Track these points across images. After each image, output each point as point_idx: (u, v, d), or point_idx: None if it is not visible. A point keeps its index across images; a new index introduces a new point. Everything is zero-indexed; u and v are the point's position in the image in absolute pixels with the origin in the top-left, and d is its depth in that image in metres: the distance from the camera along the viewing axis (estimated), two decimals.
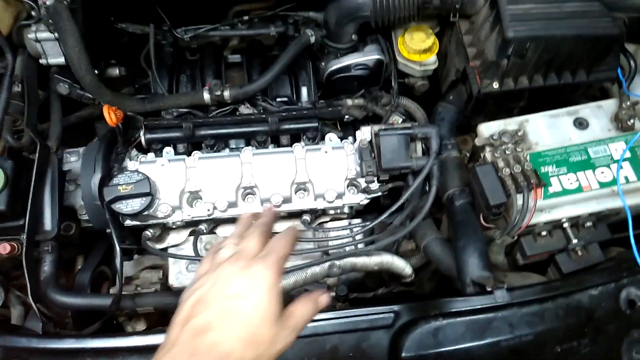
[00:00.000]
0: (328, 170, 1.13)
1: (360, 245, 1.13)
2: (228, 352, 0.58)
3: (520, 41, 1.05)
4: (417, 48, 1.25)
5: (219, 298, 0.62)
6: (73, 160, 1.17)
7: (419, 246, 1.22)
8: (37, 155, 1.04)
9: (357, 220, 1.20)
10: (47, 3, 1.03)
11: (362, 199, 1.14)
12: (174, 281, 1.16)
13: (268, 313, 0.62)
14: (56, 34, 1.04)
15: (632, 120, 1.10)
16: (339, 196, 1.13)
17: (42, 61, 1.11)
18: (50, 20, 1.04)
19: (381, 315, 0.90)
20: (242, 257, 0.66)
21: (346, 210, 1.19)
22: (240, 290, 0.63)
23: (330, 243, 1.15)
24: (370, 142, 1.14)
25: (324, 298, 0.70)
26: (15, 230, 1.01)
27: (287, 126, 1.20)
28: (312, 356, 0.87)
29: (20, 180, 1.01)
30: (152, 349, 0.89)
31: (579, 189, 1.05)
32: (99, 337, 0.92)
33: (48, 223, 1.06)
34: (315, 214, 1.18)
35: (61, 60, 1.10)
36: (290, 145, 1.19)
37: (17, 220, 1.01)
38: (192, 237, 1.16)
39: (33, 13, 1.07)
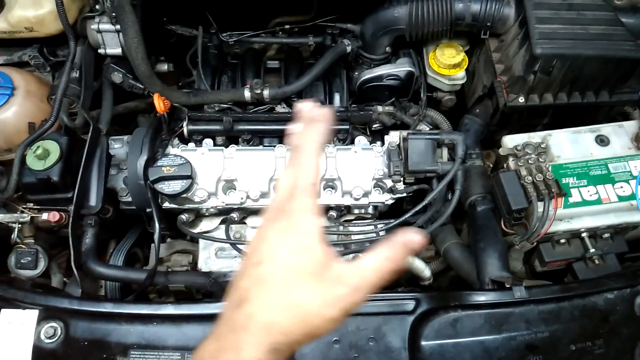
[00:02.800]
0: (356, 169, 1.19)
1: None
2: (268, 323, 0.51)
3: (547, 58, 1.12)
4: (447, 63, 1.32)
5: (252, 263, 0.55)
6: (117, 147, 1.25)
7: (439, 250, 1.26)
8: (89, 135, 1.12)
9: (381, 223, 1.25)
10: None
11: (388, 199, 1.20)
12: (202, 265, 1.22)
13: (307, 265, 0.52)
14: (117, 26, 1.14)
15: None
16: (366, 194, 1.18)
17: (101, 51, 1.21)
18: (113, 13, 1.13)
19: (403, 302, 0.94)
20: (280, 210, 0.56)
21: (371, 210, 1.25)
22: (272, 250, 0.54)
23: (353, 238, 1.20)
24: (399, 145, 1.20)
25: (413, 237, 0.55)
26: (64, 201, 1.08)
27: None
28: (334, 335, 0.92)
29: (72, 156, 1.09)
30: (184, 317, 0.96)
31: (599, 201, 1.09)
32: (134, 303, 0.98)
33: (93, 199, 1.13)
34: (341, 211, 1.24)
35: (118, 51, 1.20)
36: None
37: (67, 193, 1.08)
38: (223, 225, 1.22)
39: (97, 6, 1.17)
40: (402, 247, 0.55)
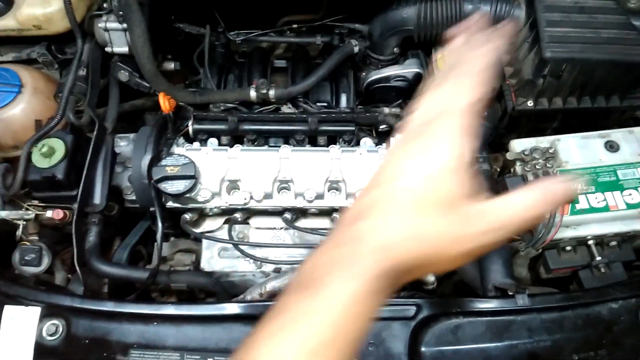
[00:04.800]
0: (361, 171, 1.18)
1: None
2: (384, 245, 0.45)
3: (556, 62, 1.10)
4: None
5: (376, 181, 0.48)
6: (123, 144, 1.25)
7: None
8: (94, 132, 1.12)
9: None
10: None
11: None
12: (205, 265, 1.22)
13: (444, 193, 0.45)
14: (124, 25, 1.14)
15: None
16: None
17: (108, 49, 1.21)
18: (120, 12, 1.13)
19: (404, 307, 0.93)
20: (420, 131, 0.48)
21: None
22: (405, 170, 0.47)
23: None
24: None
25: (566, 185, 0.47)
26: (68, 199, 1.09)
27: (325, 127, 1.26)
28: None
29: (77, 154, 1.10)
30: (184, 318, 0.96)
31: (606, 208, 1.07)
32: (135, 303, 0.98)
33: (97, 197, 1.14)
34: None
35: (125, 49, 1.20)
36: (327, 147, 1.25)
37: (71, 191, 1.08)
38: (226, 225, 1.22)
39: (105, 5, 1.17)
40: (551, 193, 0.47)
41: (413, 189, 0.45)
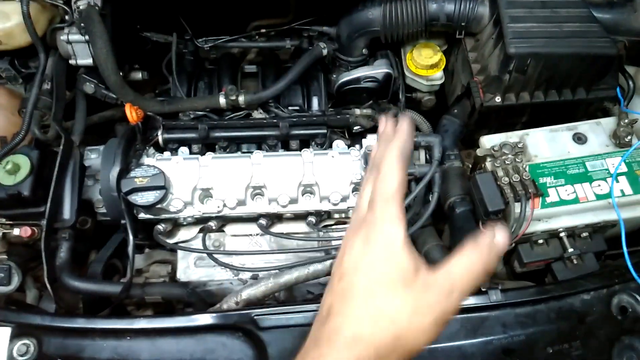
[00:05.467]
0: (334, 173, 1.18)
1: None
2: (354, 336, 0.49)
3: (521, 57, 1.11)
4: (425, 63, 1.31)
5: (336, 278, 0.54)
6: (93, 157, 1.24)
7: (420, 252, 1.25)
8: (60, 147, 1.11)
9: None
10: (80, 7, 1.11)
11: None
12: (181, 275, 1.21)
13: (392, 273, 0.50)
14: (86, 37, 1.12)
15: (629, 137, 1.13)
16: (344, 199, 1.17)
17: (72, 62, 1.19)
18: (82, 24, 1.12)
19: None
20: (361, 220, 0.56)
21: (350, 214, 1.24)
22: (356, 260, 0.53)
23: (334, 243, 1.19)
24: None
25: (500, 235, 0.52)
26: (36, 216, 1.07)
27: (297, 132, 1.26)
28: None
29: (44, 170, 1.08)
30: (158, 331, 0.95)
31: (576, 200, 1.08)
32: (107, 319, 0.97)
33: (67, 212, 1.12)
34: (321, 216, 1.23)
35: (89, 61, 1.18)
36: (300, 151, 1.24)
37: (39, 207, 1.07)
38: (201, 234, 1.21)
39: (67, 17, 1.15)
40: (489, 247, 0.52)
41: (370, 275, 0.51)
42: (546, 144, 1.16)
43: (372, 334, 0.49)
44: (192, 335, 0.93)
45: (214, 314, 0.94)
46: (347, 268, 0.53)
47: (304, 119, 1.27)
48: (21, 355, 0.92)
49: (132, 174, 1.09)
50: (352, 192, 1.19)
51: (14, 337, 0.94)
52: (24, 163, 1.04)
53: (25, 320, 0.96)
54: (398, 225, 0.53)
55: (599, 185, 1.10)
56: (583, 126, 1.18)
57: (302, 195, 1.19)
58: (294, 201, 1.18)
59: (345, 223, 1.25)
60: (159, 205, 1.11)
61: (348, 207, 1.19)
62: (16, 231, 1.04)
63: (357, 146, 1.24)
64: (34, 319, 0.96)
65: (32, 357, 0.93)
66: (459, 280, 0.50)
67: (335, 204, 1.17)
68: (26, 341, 0.93)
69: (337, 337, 0.50)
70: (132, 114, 1.15)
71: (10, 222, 1.06)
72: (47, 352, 0.93)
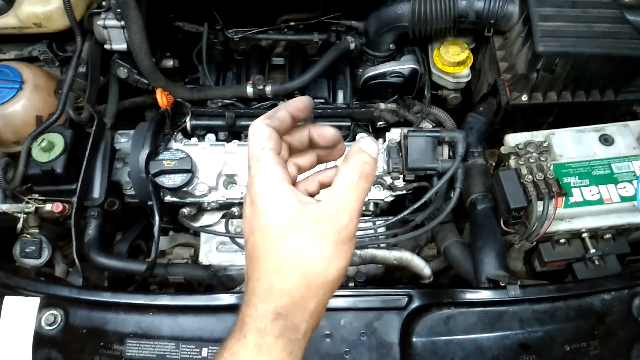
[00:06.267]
0: None
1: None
2: (266, 289, 0.51)
3: (549, 56, 1.10)
4: (452, 60, 1.31)
5: (245, 240, 0.56)
6: (123, 141, 1.28)
7: (440, 249, 1.26)
8: (93, 128, 1.14)
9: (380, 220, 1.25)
10: None
11: (387, 196, 1.20)
12: (203, 259, 1.23)
13: (277, 219, 0.51)
14: (122, 22, 1.16)
15: None
16: None
17: (107, 46, 1.23)
18: (118, 9, 1.15)
19: (395, 297, 0.94)
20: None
21: (371, 207, 1.25)
22: (248, 223, 0.54)
23: None
24: (399, 142, 1.20)
25: (367, 144, 0.53)
26: (67, 193, 1.11)
27: (321, 123, 1.28)
28: (325, 329, 0.92)
29: (76, 149, 1.12)
30: (180, 308, 0.97)
31: (600, 201, 1.08)
32: (132, 293, 1.00)
33: (97, 191, 1.16)
34: None
35: (123, 46, 1.22)
36: None
37: (70, 184, 1.11)
38: (224, 220, 1.23)
39: (104, 3, 1.19)
40: (359, 157, 0.52)
41: (262, 230, 0.51)
42: (572, 144, 1.15)
43: (281, 282, 0.50)
44: (213, 314, 0.95)
45: (236, 294, 0.96)
46: (246, 235, 0.54)
47: (328, 110, 1.29)
48: (49, 325, 0.96)
49: (161, 156, 1.12)
50: (374, 185, 1.20)
51: (43, 307, 0.97)
52: (59, 141, 1.08)
53: (54, 291, 0.99)
54: (269, 171, 0.52)
55: (624, 187, 1.08)
56: (610, 128, 1.16)
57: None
58: None
59: (365, 216, 1.26)
60: (184, 189, 1.14)
61: (369, 200, 1.21)
62: (48, 206, 1.08)
63: (380, 140, 1.25)
64: (62, 291, 0.99)
65: (59, 327, 0.96)
66: (342, 199, 0.50)
67: None
68: (54, 312, 0.97)
69: (253, 298, 0.51)
70: (162, 98, 1.18)
71: (43, 198, 1.10)
72: (73, 323, 0.97)
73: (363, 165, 0.52)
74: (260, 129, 0.55)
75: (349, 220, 0.50)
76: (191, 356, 0.93)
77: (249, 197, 0.54)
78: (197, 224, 1.25)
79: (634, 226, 1.08)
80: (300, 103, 0.58)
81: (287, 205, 0.51)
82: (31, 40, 1.27)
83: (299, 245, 0.50)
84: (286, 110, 0.57)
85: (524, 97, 1.19)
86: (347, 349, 0.91)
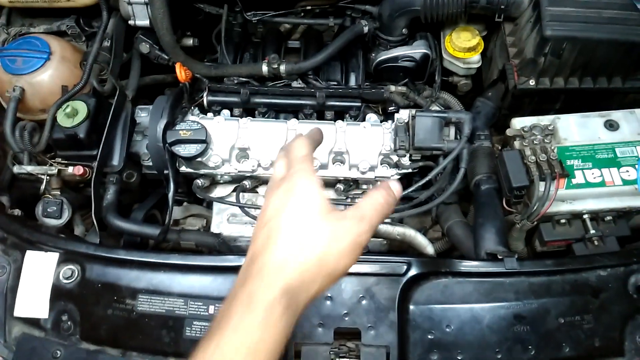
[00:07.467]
0: (364, 143, 1.23)
1: None
2: (281, 264, 0.56)
3: (557, 40, 1.13)
4: (463, 46, 1.34)
5: (258, 229, 0.61)
6: (143, 115, 1.33)
7: (443, 228, 1.29)
8: (115, 98, 1.20)
9: None
10: None
11: (393, 174, 1.23)
12: (215, 229, 1.28)
13: (310, 209, 0.58)
14: None
15: None
16: (372, 168, 1.22)
17: (131, 22, 1.29)
18: None
19: (395, 264, 0.97)
20: (282, 179, 0.64)
21: (378, 184, 1.28)
22: (281, 202, 0.60)
23: None
24: (407, 123, 1.23)
25: (395, 185, 0.65)
26: (88, 158, 1.17)
27: (332, 102, 1.32)
28: (327, 292, 0.96)
29: (99, 117, 1.18)
30: (190, 267, 1.02)
31: (602, 184, 1.10)
32: (144, 252, 1.06)
33: (116, 159, 1.22)
34: (349, 184, 1.28)
35: (146, 22, 1.28)
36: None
37: (92, 150, 1.16)
38: (235, 193, 1.28)
39: None
40: (387, 189, 0.64)
41: (292, 215, 0.59)
42: (577, 128, 1.17)
43: (297, 259, 0.56)
44: (221, 274, 1.00)
45: (242, 256, 1.00)
46: (270, 215, 0.60)
47: (340, 90, 1.33)
48: (66, 279, 1.02)
49: (177, 127, 1.17)
50: (381, 163, 1.24)
51: (61, 262, 1.04)
52: (82, 108, 1.14)
53: (72, 247, 1.05)
54: (313, 176, 0.62)
55: (627, 171, 1.10)
56: (616, 114, 1.18)
57: (333, 163, 1.25)
58: (324, 167, 1.23)
59: None
60: (199, 159, 1.19)
61: (376, 177, 1.24)
62: (70, 169, 1.14)
63: (389, 121, 1.29)
64: (79, 247, 1.05)
65: (76, 281, 1.02)
66: (367, 211, 0.60)
67: (363, 172, 1.22)
68: (71, 266, 1.03)
69: (265, 268, 0.55)
70: (181, 73, 1.23)
71: (66, 162, 1.16)
72: (90, 277, 1.03)
73: (389, 194, 0.64)
74: (304, 139, 0.69)
75: (368, 228, 0.60)
76: (199, 312, 0.98)
77: (286, 185, 0.62)
78: (210, 195, 1.30)
79: (635, 209, 1.10)
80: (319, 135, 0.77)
81: (321, 201, 0.60)
82: (60, 14, 1.33)
83: (323, 235, 0.57)
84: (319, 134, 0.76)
85: (532, 82, 1.22)
86: (346, 312, 0.95)
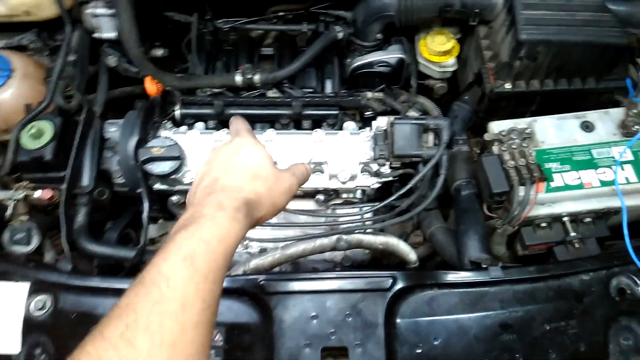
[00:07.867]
0: (343, 153, 1.21)
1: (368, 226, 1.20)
2: (238, 187, 0.70)
3: (532, 44, 1.13)
4: (438, 50, 1.33)
5: (218, 161, 0.75)
6: (112, 130, 1.28)
7: (425, 234, 1.28)
8: (82, 115, 1.15)
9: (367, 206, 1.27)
10: None
11: (374, 183, 1.22)
12: None
13: (264, 157, 0.75)
14: (112, 10, 1.17)
15: (637, 127, 1.14)
16: (352, 178, 1.21)
17: (96, 35, 1.24)
18: None
19: (380, 279, 0.96)
20: (226, 142, 0.80)
21: (358, 195, 1.27)
22: (233, 151, 0.76)
23: (340, 220, 1.22)
24: (386, 130, 1.22)
25: (309, 167, 0.86)
26: (56, 180, 1.12)
27: (309, 111, 1.29)
28: (312, 311, 0.94)
29: (66, 136, 1.13)
30: None
31: (580, 186, 1.10)
32: (120, 278, 1.01)
33: (86, 179, 1.17)
34: (329, 194, 1.26)
35: (113, 35, 1.23)
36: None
37: (59, 172, 1.11)
38: None
39: None
40: (306, 166, 0.85)
41: (249, 154, 0.75)
42: (553, 130, 1.17)
43: (254, 185, 0.71)
44: None
45: (226, 278, 0.97)
46: (228, 154, 0.75)
47: (316, 99, 1.31)
48: (38, 310, 0.97)
49: (150, 144, 1.13)
50: (361, 172, 1.22)
51: (32, 292, 0.99)
52: (48, 128, 1.09)
53: (43, 277, 1.00)
54: (254, 142, 0.79)
55: (604, 172, 1.11)
56: (591, 115, 1.19)
57: (312, 173, 1.22)
58: None
59: (352, 203, 1.28)
60: (173, 176, 1.15)
61: (356, 187, 1.22)
62: (38, 193, 1.09)
63: (368, 128, 1.27)
64: (51, 276, 1.00)
65: (49, 312, 0.97)
66: (296, 173, 0.80)
67: (343, 182, 1.20)
68: (43, 297, 0.98)
69: (228, 187, 0.70)
70: (151, 86, 1.19)
71: (33, 185, 1.11)
72: (63, 308, 0.98)
73: (306, 169, 0.85)
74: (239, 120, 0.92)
75: (296, 182, 0.80)
76: None
77: (234, 144, 0.78)
78: None
79: (612, 210, 1.11)
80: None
81: (268, 155, 0.78)
82: (20, 29, 1.27)
83: (271, 176, 0.74)
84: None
85: (508, 85, 1.22)
86: (332, 330, 0.93)
